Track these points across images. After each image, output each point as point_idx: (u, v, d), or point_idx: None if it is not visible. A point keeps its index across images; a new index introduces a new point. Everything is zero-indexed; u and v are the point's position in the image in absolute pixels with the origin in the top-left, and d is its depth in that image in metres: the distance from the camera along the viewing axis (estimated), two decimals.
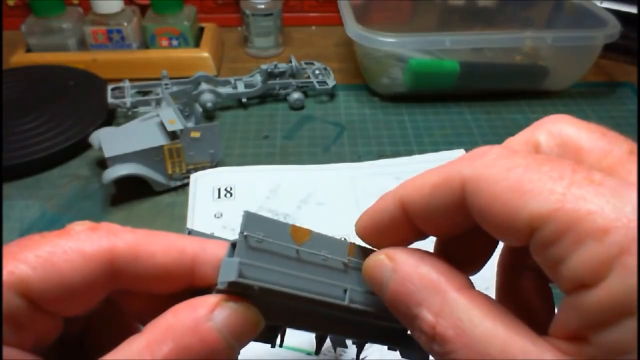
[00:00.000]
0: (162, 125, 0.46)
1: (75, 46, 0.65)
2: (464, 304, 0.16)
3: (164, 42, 0.65)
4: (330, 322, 0.22)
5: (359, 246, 0.22)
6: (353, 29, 0.55)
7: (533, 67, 0.61)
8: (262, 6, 0.66)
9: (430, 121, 0.57)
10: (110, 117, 0.56)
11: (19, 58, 0.64)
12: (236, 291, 0.18)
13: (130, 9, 0.66)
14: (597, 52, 0.58)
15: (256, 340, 0.21)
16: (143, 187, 0.46)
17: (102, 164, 0.47)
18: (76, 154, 0.51)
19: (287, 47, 0.73)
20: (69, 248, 0.18)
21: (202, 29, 0.70)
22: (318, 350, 0.25)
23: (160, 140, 0.45)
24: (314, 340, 0.25)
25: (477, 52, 0.59)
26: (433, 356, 0.17)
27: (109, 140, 0.45)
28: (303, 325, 0.22)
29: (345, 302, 0.20)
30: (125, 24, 0.63)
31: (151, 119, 0.48)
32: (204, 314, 0.17)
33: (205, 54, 0.65)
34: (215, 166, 0.48)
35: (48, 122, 0.53)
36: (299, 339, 0.33)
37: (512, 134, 0.20)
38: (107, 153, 0.44)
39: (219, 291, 0.19)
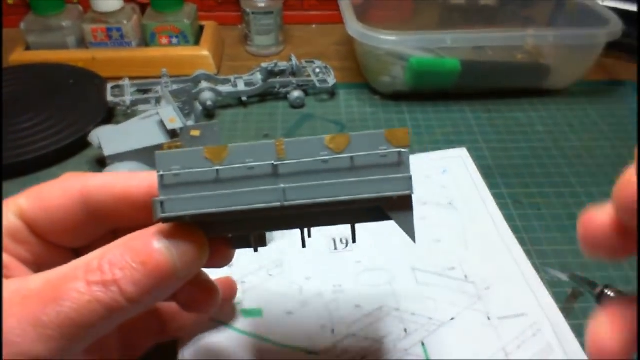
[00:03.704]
0: (161, 123, 0.46)
1: (74, 44, 0.65)
2: None
3: (164, 40, 0.65)
4: (290, 219, 0.22)
5: (292, 140, 0.21)
6: (354, 27, 0.55)
7: (534, 66, 0.61)
8: (263, 4, 0.66)
9: (431, 120, 0.57)
10: (110, 116, 0.56)
11: (18, 56, 0.64)
12: (176, 222, 0.21)
13: (130, 7, 0.66)
14: (599, 51, 0.58)
15: (236, 247, 0.24)
16: None
17: (102, 162, 0.47)
18: (75, 153, 0.51)
19: (288, 45, 0.72)
20: (53, 184, 0.24)
21: (202, 27, 0.69)
22: (304, 244, 0.24)
23: (160, 138, 0.45)
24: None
25: (479, 50, 0.59)
26: None
27: (109, 138, 0.45)
28: (260, 229, 0.22)
29: (279, 204, 0.20)
30: (125, 22, 0.63)
31: (151, 118, 0.47)
32: (151, 232, 0.21)
33: (206, 52, 0.64)
34: None
35: (47, 120, 0.53)
36: (298, 337, 0.33)
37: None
38: (107, 151, 0.44)
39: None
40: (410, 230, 0.21)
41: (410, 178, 0.20)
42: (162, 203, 0.20)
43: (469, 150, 0.51)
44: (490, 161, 0.50)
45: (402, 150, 0.20)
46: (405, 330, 0.34)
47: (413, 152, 0.51)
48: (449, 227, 0.42)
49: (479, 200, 0.45)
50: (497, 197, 0.45)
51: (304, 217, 0.22)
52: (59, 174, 0.49)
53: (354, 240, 0.23)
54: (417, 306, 0.36)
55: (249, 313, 0.35)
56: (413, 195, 0.21)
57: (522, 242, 0.41)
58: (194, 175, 0.20)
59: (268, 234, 0.24)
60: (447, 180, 0.47)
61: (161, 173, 0.20)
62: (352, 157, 0.20)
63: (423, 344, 0.33)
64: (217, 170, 0.20)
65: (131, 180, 0.23)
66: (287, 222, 0.22)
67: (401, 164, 0.20)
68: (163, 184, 0.20)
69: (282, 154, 0.20)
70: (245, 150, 0.21)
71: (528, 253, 0.40)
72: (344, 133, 0.21)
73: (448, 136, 0.54)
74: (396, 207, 0.21)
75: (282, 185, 0.20)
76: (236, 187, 0.20)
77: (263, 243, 0.24)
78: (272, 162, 0.20)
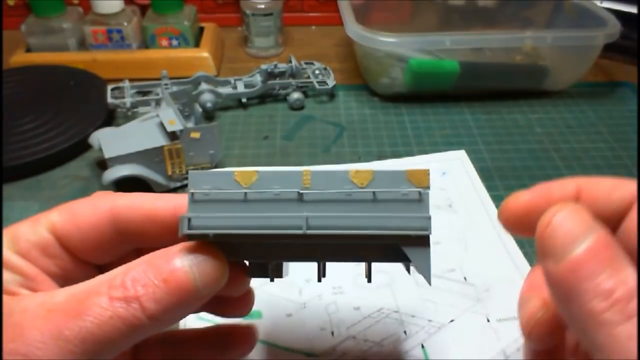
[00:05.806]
0: (161, 125, 0.46)
1: (75, 46, 0.65)
2: None
3: (164, 42, 0.65)
4: (308, 250, 0.22)
5: (318, 172, 0.21)
6: (353, 29, 0.55)
7: (533, 67, 0.61)
8: (262, 6, 0.66)
9: (430, 121, 0.57)
10: (110, 118, 0.56)
11: (18, 58, 0.64)
12: (201, 240, 0.21)
13: (130, 8, 0.66)
14: (597, 52, 0.58)
15: (252, 275, 0.24)
16: (143, 188, 0.46)
17: (102, 164, 0.47)
18: (76, 155, 0.51)
19: (287, 47, 0.73)
20: (84, 202, 0.24)
21: (202, 29, 0.69)
22: (319, 279, 0.24)
23: (160, 140, 0.45)
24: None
25: (477, 52, 0.59)
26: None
27: (109, 140, 0.46)
28: (279, 257, 0.22)
29: (302, 231, 0.20)
30: (125, 23, 0.63)
31: (151, 120, 0.48)
32: (174, 251, 0.21)
33: (205, 54, 0.64)
34: (216, 167, 0.48)
35: (48, 122, 0.53)
36: (298, 339, 0.33)
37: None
38: (107, 154, 0.44)
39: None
40: (426, 271, 0.22)
41: (429, 218, 0.21)
42: (189, 220, 0.21)
43: (468, 152, 0.51)
44: (489, 163, 0.50)
45: (423, 191, 0.21)
46: (405, 332, 0.34)
47: (412, 154, 0.52)
48: (448, 229, 0.42)
49: (478, 203, 0.45)
50: (496, 199, 0.46)
51: (323, 250, 0.22)
52: (59, 177, 0.49)
53: (369, 280, 0.24)
54: (416, 308, 0.36)
55: (248, 315, 0.35)
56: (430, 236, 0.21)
57: (520, 244, 0.41)
58: (222, 195, 0.21)
59: (284, 267, 0.24)
60: (446, 182, 0.47)
61: (192, 191, 0.21)
62: (374, 193, 0.21)
63: (423, 346, 0.34)
64: (245, 193, 0.21)
65: (158, 201, 0.24)
66: (306, 254, 0.22)
67: (421, 203, 0.21)
68: (193, 201, 0.21)
69: (307, 184, 0.21)
70: (273, 177, 0.21)
71: (527, 255, 0.40)
72: (367, 169, 0.21)
73: (447, 138, 0.54)
74: (413, 246, 0.21)
75: (305, 214, 0.21)
76: (262, 211, 0.21)
77: (280, 274, 0.24)
78: (298, 190, 0.21)
